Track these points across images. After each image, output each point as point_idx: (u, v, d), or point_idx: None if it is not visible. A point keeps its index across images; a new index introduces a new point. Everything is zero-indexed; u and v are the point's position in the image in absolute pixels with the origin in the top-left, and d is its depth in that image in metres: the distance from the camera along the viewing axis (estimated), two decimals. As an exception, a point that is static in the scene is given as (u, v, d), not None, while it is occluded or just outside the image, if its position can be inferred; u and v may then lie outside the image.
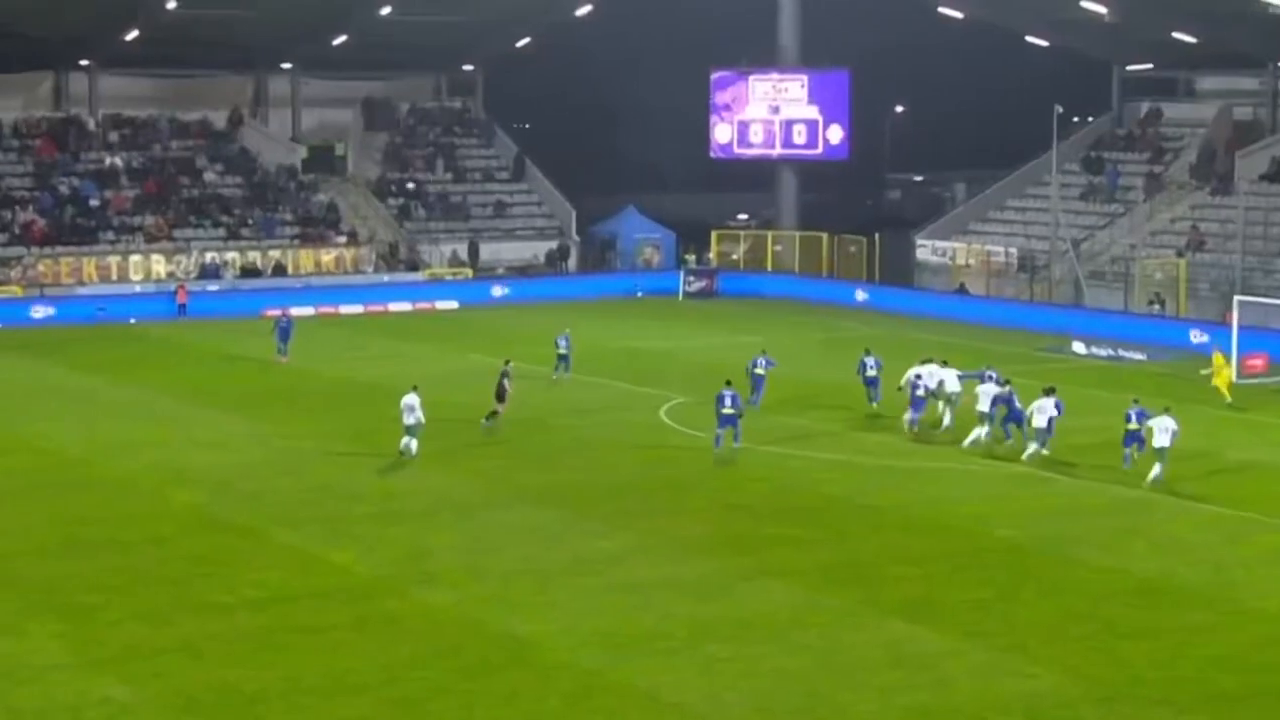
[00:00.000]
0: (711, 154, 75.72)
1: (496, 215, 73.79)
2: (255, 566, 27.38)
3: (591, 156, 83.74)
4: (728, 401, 36.39)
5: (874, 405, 40.78)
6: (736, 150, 74.99)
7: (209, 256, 65.78)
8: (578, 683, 22.11)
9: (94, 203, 66.89)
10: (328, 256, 67.93)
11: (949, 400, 38.64)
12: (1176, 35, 65.16)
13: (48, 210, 65.73)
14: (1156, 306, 58.12)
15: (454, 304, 65.02)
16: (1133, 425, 34.57)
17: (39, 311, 60.16)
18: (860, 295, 64.90)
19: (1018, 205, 70.88)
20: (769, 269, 71.52)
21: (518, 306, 64.90)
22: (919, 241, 70.63)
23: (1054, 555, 28.21)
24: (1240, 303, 49.06)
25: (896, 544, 28.95)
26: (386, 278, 67.16)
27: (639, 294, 68.36)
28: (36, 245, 64.07)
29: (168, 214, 67.35)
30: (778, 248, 72.55)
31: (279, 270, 66.49)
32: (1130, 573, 27.08)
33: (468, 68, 78.61)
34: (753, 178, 79.71)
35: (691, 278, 69.10)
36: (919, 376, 38.91)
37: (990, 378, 37.75)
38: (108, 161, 69.00)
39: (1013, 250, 66.10)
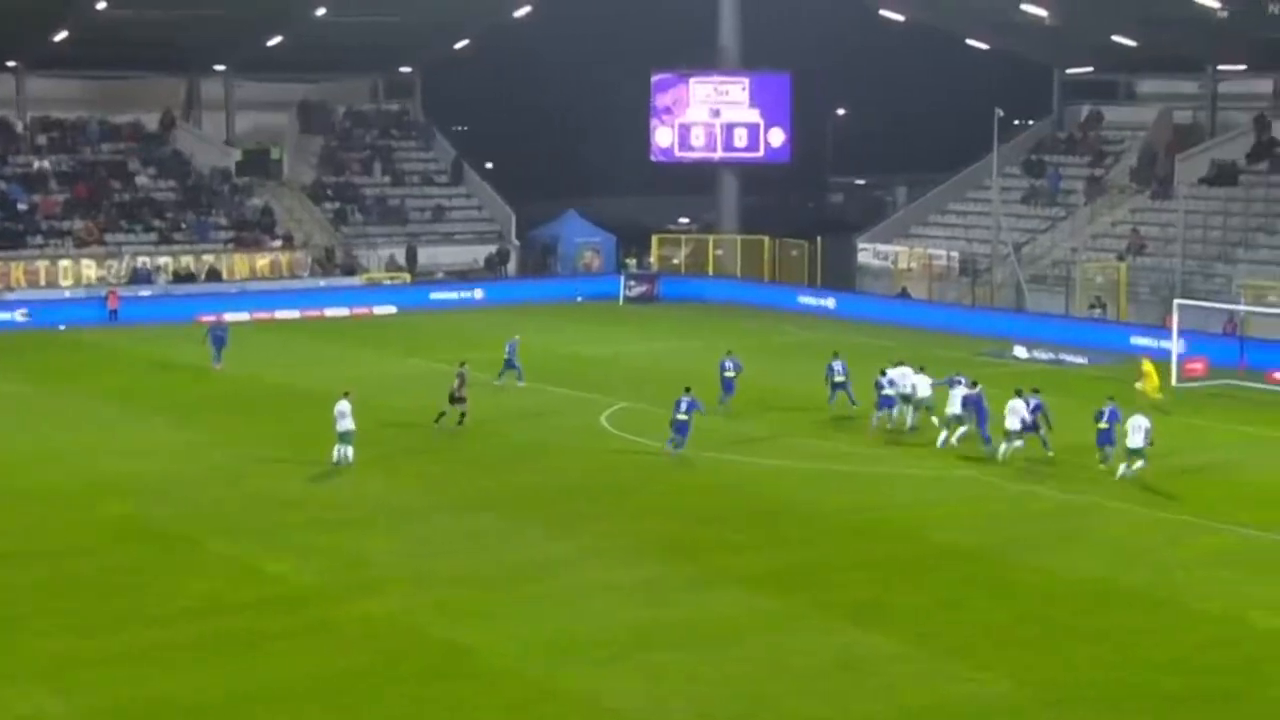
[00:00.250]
0: (652, 157, 75.77)
1: (435, 219, 73.54)
2: (190, 577, 27.11)
3: (531, 160, 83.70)
4: (683, 407, 36.50)
5: (853, 406, 41.13)
6: (677, 153, 75.07)
7: (141, 261, 65.17)
8: (520, 691, 22.03)
9: (22, 206, 66.13)
10: (263, 261, 67.46)
11: (918, 404, 38.95)
12: (1116, 39, 65.78)
13: (-26, 214, 64.97)
14: (1097, 310, 58.62)
15: (392, 309, 64.73)
16: (1103, 425, 35.07)
17: (-35, 318, 59.40)
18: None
19: (959, 209, 71.34)
20: (710, 273, 71.65)
21: (457, 311, 64.71)
22: (861, 245, 70.94)
23: (1000, 559, 28.36)
24: (1180, 306, 49.54)
25: (843, 548, 29.03)
26: (323, 282, 66.79)
27: (579, 299, 68.30)
28: (-37, 250, 63.32)
29: (98, 218, 66.69)
30: (719, 252, 72.70)
31: (213, 275, 65.97)
32: (1075, 576, 27.27)
33: (405, 70, 78.31)
34: (694, 181, 79.81)
35: (632, 282, 69.11)
36: (887, 377, 39.37)
37: (959, 382, 38.15)
38: (36, 165, 68.26)
39: (954, 254, 66.50)
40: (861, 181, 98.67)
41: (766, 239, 70.87)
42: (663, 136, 75.00)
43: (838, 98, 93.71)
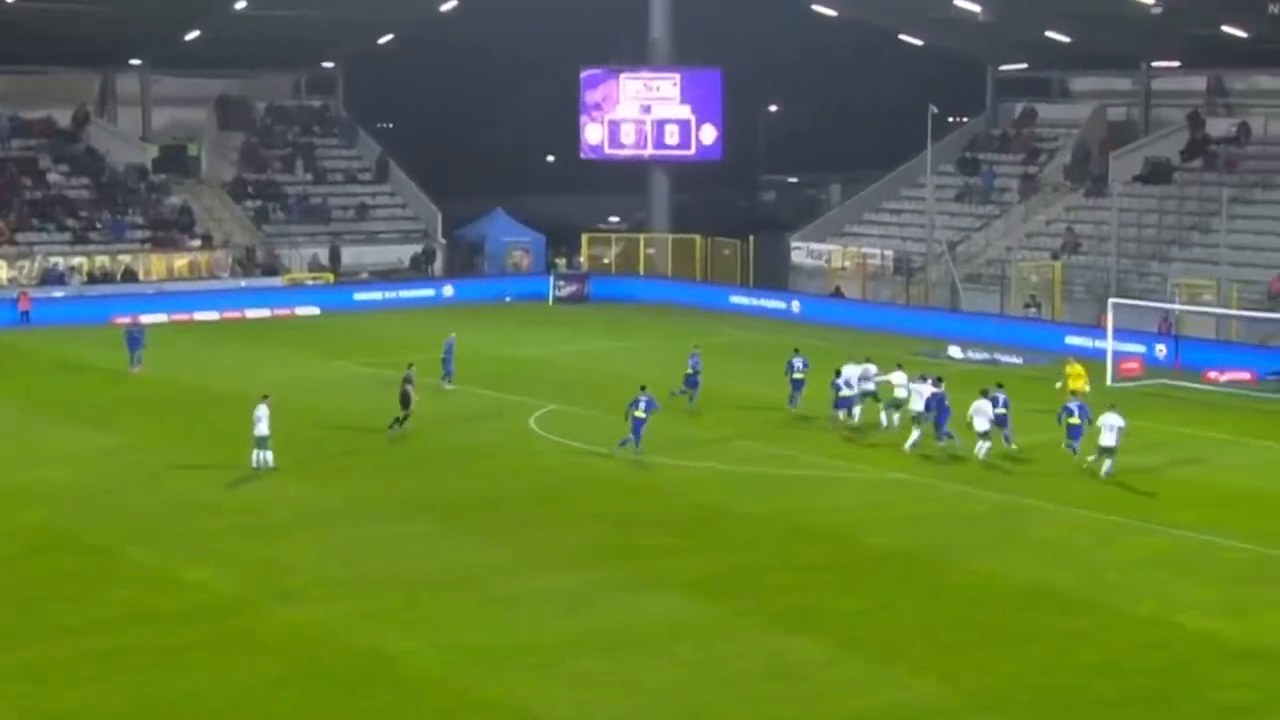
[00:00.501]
0: (582, 154, 75.80)
1: (359, 218, 73.18)
2: (105, 586, 26.91)
3: (458, 157, 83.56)
4: (641, 405, 36.66)
5: (793, 408, 41.60)
6: (607, 150, 75.14)
7: (54, 261, 64.46)
8: (447, 700, 22.02)
9: (-70, 205, 65.35)
10: (181, 261, 66.91)
11: (894, 404, 39.24)
12: (1050, 34, 66.44)
13: (-120, 213, 64.08)
14: (1032, 309, 59.21)
15: (315, 310, 64.39)
16: (1074, 419, 35.77)
17: None
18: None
19: (893, 207, 71.83)
20: (641, 273, 71.75)
21: (382, 312, 64.46)
22: (794, 244, 71.28)
23: (932, 562, 28.62)
24: (1115, 305, 50.12)
25: (775, 553, 29.19)
26: (243, 283, 66.32)
27: (508, 299, 68.20)
28: None
29: (9, 217, 65.92)
30: (650, 251, 72.80)
31: (129, 276, 65.35)
32: (1008, 578, 27.56)
33: (328, 65, 77.88)
34: (624, 179, 79.90)
35: (562, 282, 69.09)
36: (844, 377, 39.97)
37: (924, 379, 38.63)
38: (-55, 162, 67.49)
39: (888, 252, 66.96)
40: (794, 179, 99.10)
41: (698, 238, 71.05)
42: (592, 133, 75.05)
43: (770, 94, 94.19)
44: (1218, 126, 65.63)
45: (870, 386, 40.46)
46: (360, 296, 66.60)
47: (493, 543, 29.73)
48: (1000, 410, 36.71)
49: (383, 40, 75.63)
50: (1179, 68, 68.26)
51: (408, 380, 39.42)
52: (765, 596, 26.50)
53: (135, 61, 72.40)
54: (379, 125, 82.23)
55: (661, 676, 22.86)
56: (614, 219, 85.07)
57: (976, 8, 64.33)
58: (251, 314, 63.04)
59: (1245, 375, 47.97)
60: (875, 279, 66.04)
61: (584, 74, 74.82)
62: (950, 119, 76.66)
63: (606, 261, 72.91)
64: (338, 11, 69.55)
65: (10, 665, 23.20)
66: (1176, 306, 52.87)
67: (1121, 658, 23.66)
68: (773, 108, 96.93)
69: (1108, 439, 34.64)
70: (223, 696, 22.11)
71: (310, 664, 23.27)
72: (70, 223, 66.94)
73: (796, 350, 42.87)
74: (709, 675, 22.91)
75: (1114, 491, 33.98)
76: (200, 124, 74.50)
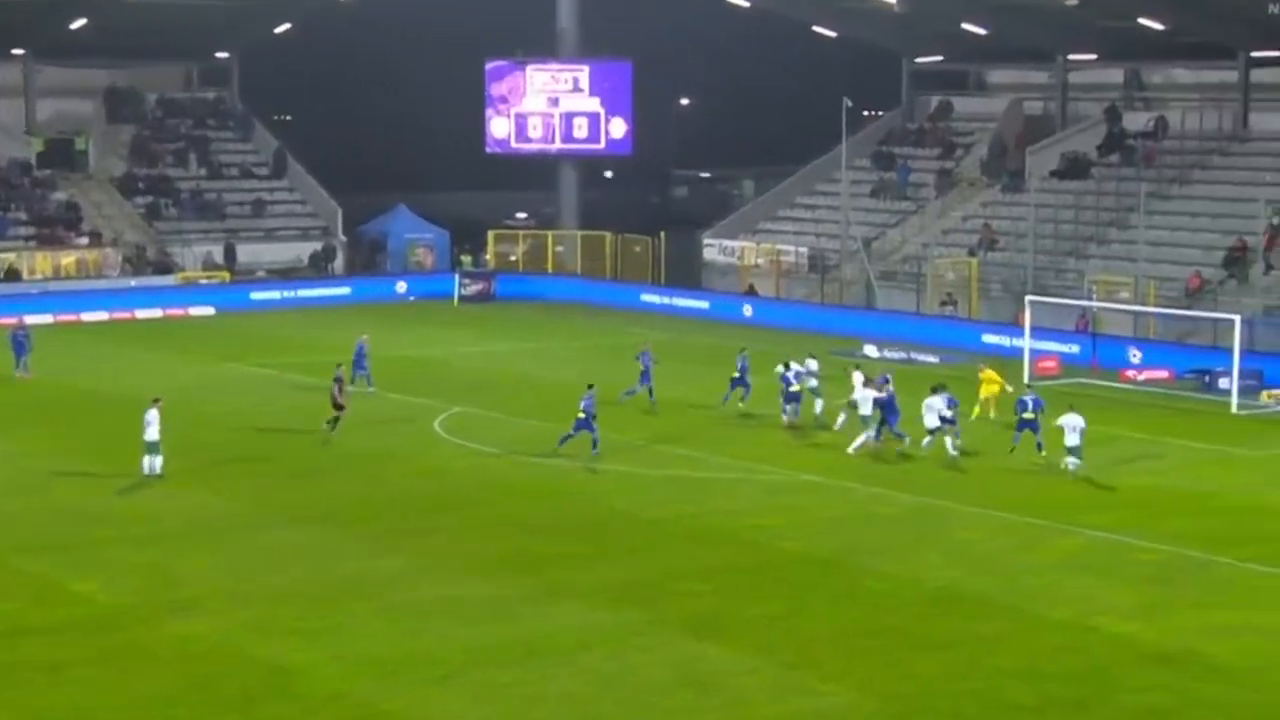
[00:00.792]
0: (487, 149, 75.72)
1: (255, 214, 72.73)
2: (-11, 599, 26.59)
3: (359, 151, 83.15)
4: (581, 405, 36.94)
5: (725, 404, 42.50)
6: (514, 145, 75.10)
7: (-66, 260, 63.62)
8: (347, 714, 21.96)
9: None
10: (68, 259, 66.18)
11: (853, 404, 39.47)
12: (966, 26, 67.18)
13: None
14: (949, 308, 59.84)
15: (210, 310, 63.91)
16: (1028, 414, 36.59)
17: None
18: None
19: (807, 203, 72.34)
20: (550, 271, 71.78)
21: (280, 312, 64.08)
22: (706, 241, 71.59)
23: (846, 566, 28.88)
24: (1032, 303, 50.77)
25: (685, 559, 29.32)
26: (134, 282, 65.71)
27: (411, 298, 68.00)
28: None
29: (-115, 213, 64.97)
30: (559, 248, 72.86)
31: (12, 275, 64.52)
32: (922, 582, 27.87)
33: (222, 55, 77.28)
34: (532, 174, 79.91)
35: (467, 280, 68.98)
36: (792, 371, 40.57)
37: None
38: None
39: (803, 250, 67.41)
40: (707, 174, 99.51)
41: (608, 235, 71.18)
42: (498, 127, 74.98)
43: (681, 87, 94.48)
44: (1135, 120, 66.64)
45: (814, 384, 41.21)
46: (257, 296, 66.20)
47: (395, 551, 29.65)
48: (947, 412, 37.30)
49: (280, 29, 75.11)
50: (1096, 60, 69.25)
51: (337, 380, 39.51)
52: (674, 604, 26.63)
53: (18, 51, 71.38)
54: (276, 118, 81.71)
55: (569, 687, 22.91)
56: (521, 215, 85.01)
57: (892, -1, 64.98)
58: (142, 314, 62.50)
59: (1163, 374, 48.74)
60: (789, 277, 66.46)
61: (489, 66, 74.73)
62: (865, 112, 77.33)
63: (513, 259, 72.87)
64: (232, -1, 69.12)
65: (-113, 683, 22.88)
66: (1094, 304, 53.63)
67: (1038, 662, 23.99)
68: (684, 101, 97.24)
69: (1072, 439, 35.47)
70: (112, 713, 21.92)
71: (204, 678, 23.12)
72: (-50, 219, 66.04)
73: (743, 349, 43.76)
74: (618, 685, 22.99)
75: (1031, 493, 34.44)
76: (88, 116, 73.70)
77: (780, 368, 41.27)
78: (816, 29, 74.42)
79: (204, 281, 67.44)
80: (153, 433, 34.76)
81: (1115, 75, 70.01)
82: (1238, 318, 46.37)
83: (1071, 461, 35.55)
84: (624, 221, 73.35)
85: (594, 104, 74.17)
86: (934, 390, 37.65)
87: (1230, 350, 45.46)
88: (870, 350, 53.28)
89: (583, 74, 74.22)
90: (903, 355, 52.61)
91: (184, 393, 43.35)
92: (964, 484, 35.21)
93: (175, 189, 72.44)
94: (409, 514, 32.45)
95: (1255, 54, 62.93)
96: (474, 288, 68.80)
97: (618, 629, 25.32)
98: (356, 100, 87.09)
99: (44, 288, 64.07)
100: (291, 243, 71.87)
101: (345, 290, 68.20)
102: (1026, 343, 48.68)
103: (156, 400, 35.42)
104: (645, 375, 43.36)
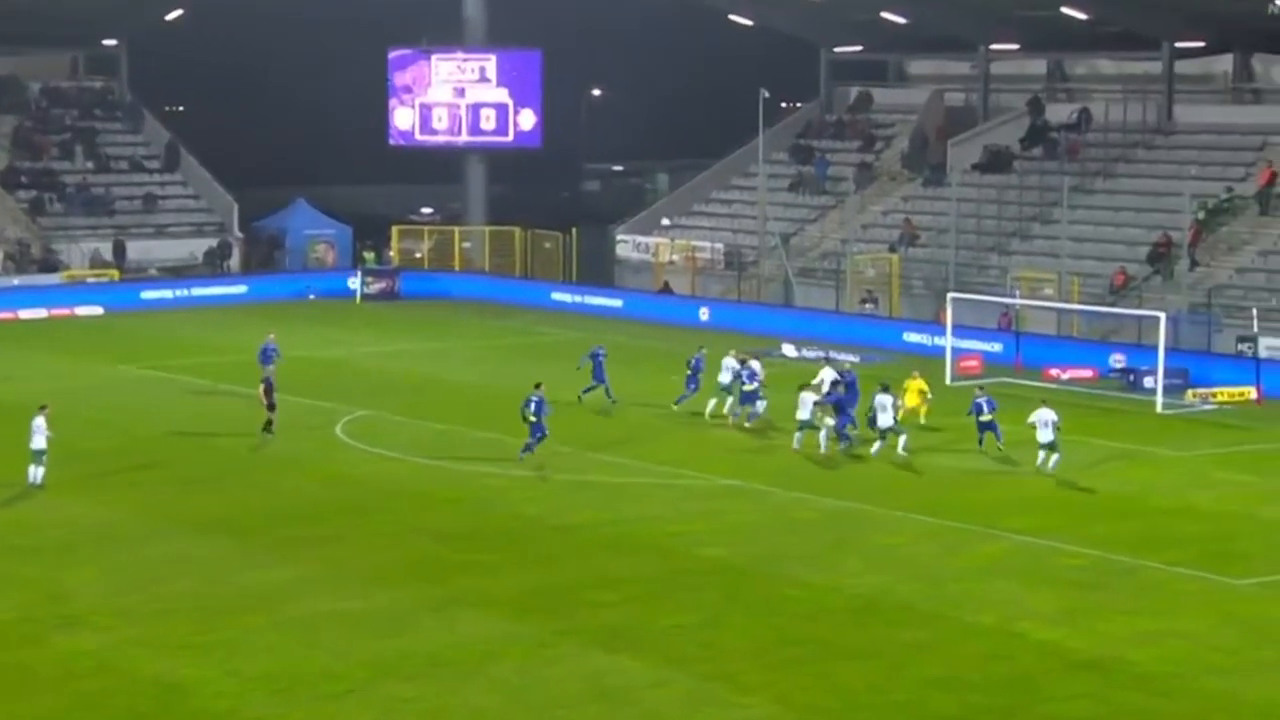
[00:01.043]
0: (391, 141, 75.31)
1: (146, 210, 71.99)
2: None
3: (255, 144, 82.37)
4: (531, 407, 36.76)
5: (677, 406, 42.80)
6: (419, 137, 74.73)
7: None
8: (242, 734, 21.73)
9: None
10: (-54, 257, 65.25)
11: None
12: (886, 15, 67.52)
13: None
14: (869, 305, 60.12)
15: (98, 310, 63.17)
16: (985, 416, 37.54)
17: None
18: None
19: (723, 197, 72.48)
20: (456, 268, 71.47)
21: (173, 312, 63.43)
22: (619, 237, 71.55)
23: (765, 573, 28.90)
24: (954, 300, 51.08)
25: (597, 567, 29.25)
26: (16, 280, 64.85)
27: (311, 296, 67.51)
28: None
29: None
30: (466, 244, 72.57)
31: (-113, 274, 63.56)
32: (843, 590, 27.94)
33: (110, 42, 76.36)
34: (437, 167, 79.53)
35: (370, 278, 68.57)
36: (747, 369, 40.95)
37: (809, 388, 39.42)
38: None
39: (719, 246, 67.52)
40: (619, 168, 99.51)
41: (517, 230, 71.00)
42: (402, 118, 74.59)
43: (593, 77, 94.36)
44: (1058, 112, 67.29)
45: (756, 385, 41.42)
46: (148, 295, 65.56)
47: (293, 561, 29.39)
48: (896, 404, 38.30)
49: (171, 16, 74.28)
50: (1018, 51, 69.84)
51: (266, 384, 39.71)
52: (586, 614, 26.53)
53: (-110, 37, 70.31)
54: (168, 108, 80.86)
55: (475, 701, 22.77)
56: (426, 210, 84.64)
57: (809, -13, 65.23)
58: (26, 314, 61.70)
59: (1087, 373, 49.19)
60: (705, 274, 66.55)
61: (392, 54, 74.35)
62: (783, 104, 77.57)
63: (418, 256, 72.50)
64: (120, -16, 68.34)
65: None
66: (1017, 301, 54.05)
67: (962, 671, 24.09)
68: (596, 92, 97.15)
69: (1045, 435, 36.16)
70: (-8, 736, 21.57)
71: (92, 697, 22.81)
72: None
73: (701, 346, 44.27)
74: (527, 699, 22.88)
75: (954, 496, 34.63)
76: (-34, 107, 72.64)
77: (736, 364, 41.61)
78: (732, 18, 74.55)
79: (92, 280, 66.66)
80: (40, 440, 34.35)
81: (1038, 66, 70.68)
82: (1163, 315, 46.92)
83: (1054, 458, 36.24)
84: (534, 217, 73.17)
85: (502, 95, 73.95)
86: (883, 389, 38.18)
87: (1155, 348, 45.96)
88: (788, 350, 53.41)
89: (490, 63, 73.97)
90: (821, 354, 52.67)
91: (71, 397, 42.73)
92: (886, 488, 35.36)
93: (61, 183, 71.53)
94: (308, 522, 32.17)
95: (1180, 44, 63.71)
96: (377, 286, 68.39)
97: (526, 640, 25.20)
98: (253, 90, 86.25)
99: (-80, 287, 63.14)
100: (184, 239, 71.17)
101: (241, 289, 67.63)
102: (949, 341, 49.00)
103: (43, 407, 34.94)
104: (598, 373, 43.54)
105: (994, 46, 69.32)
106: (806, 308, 61.08)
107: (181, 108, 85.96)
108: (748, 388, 40.98)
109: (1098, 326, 54.04)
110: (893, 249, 63.14)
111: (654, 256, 69.23)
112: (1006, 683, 23.67)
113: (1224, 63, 65.02)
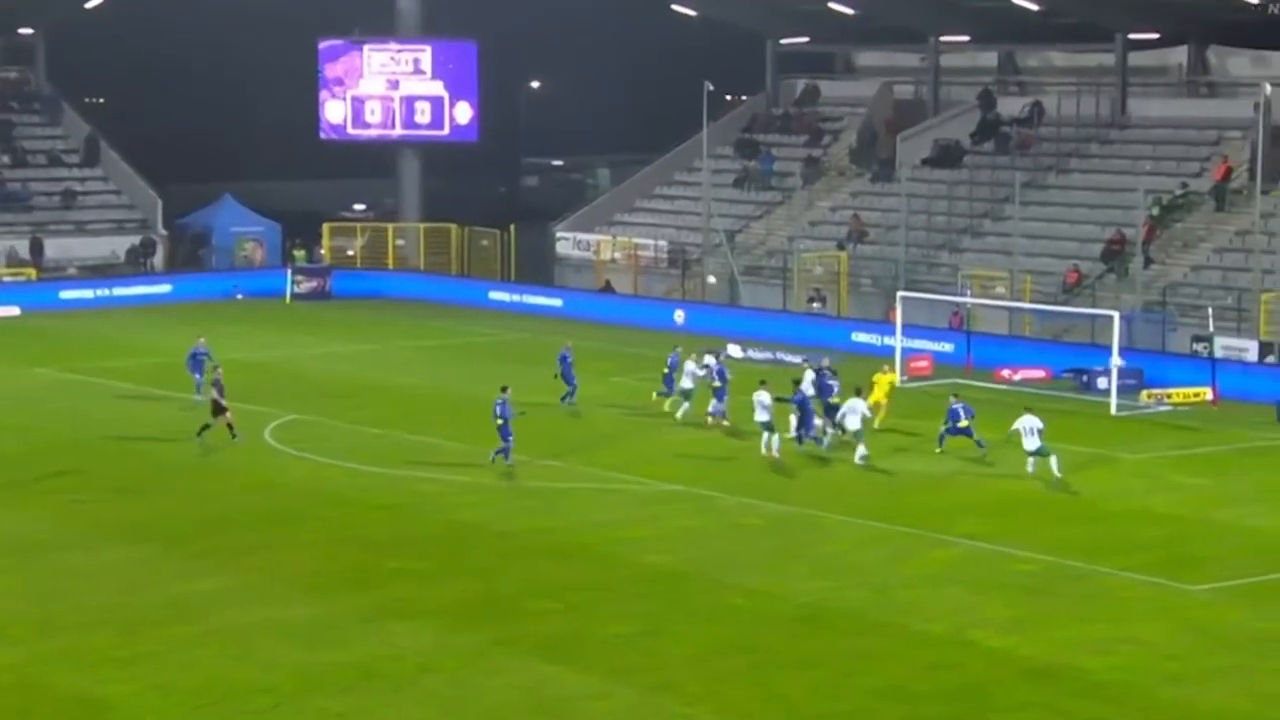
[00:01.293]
0: (322, 134, 75.05)
1: (65, 206, 71.59)
2: None
3: (180, 137, 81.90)
4: (496, 410, 36.72)
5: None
6: (351, 130, 74.51)
7: None
8: (167, 750, 21.68)
9: None
10: None
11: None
12: (833, 6, 67.82)
13: None
14: (817, 304, 60.36)
15: (14, 310, 62.77)
16: (963, 423, 38.07)
17: None
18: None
19: (666, 193, 72.62)
20: (390, 266, 71.35)
21: (94, 312, 63.07)
22: (559, 234, 71.60)
23: (708, 580, 29.01)
24: (903, 299, 51.35)
25: (537, 575, 29.29)
26: (-71, 280, 64.45)
27: (239, 296, 67.30)
28: None
29: None
30: (400, 242, 72.47)
31: None
32: (790, 597, 28.07)
33: (26, 31, 75.81)
34: (370, 162, 79.35)
35: (300, 277, 68.40)
36: (716, 366, 41.71)
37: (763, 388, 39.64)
38: None
39: (662, 243, 67.67)
40: (559, 163, 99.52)
41: (454, 227, 70.97)
42: (333, 111, 74.35)
43: (531, 69, 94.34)
44: (1010, 106, 67.75)
45: (719, 383, 41.85)
46: (67, 295, 65.24)
47: (221, 570, 29.30)
48: (865, 413, 38.42)
49: (91, 3, 73.83)
50: (969, 42, 70.27)
51: (217, 386, 39.63)
52: (525, 623, 26.57)
53: None
54: (88, 100, 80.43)
55: (409, 714, 22.78)
56: (359, 207, 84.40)
57: (754, -24, 65.44)
58: (-60, 315, 61.27)
59: (1039, 373, 49.55)
60: (648, 272, 66.67)
61: (323, 45, 74.11)
62: (728, 97, 77.69)
63: (351, 254, 72.35)
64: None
65: None
66: (968, 300, 54.35)
67: (911, 680, 24.25)
68: (534, 84, 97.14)
69: (1031, 442, 36.40)
70: (-95, 754, 21.44)
71: (9, 715, 22.69)
72: None
73: (675, 347, 44.46)
74: (464, 711, 22.90)
75: (903, 501, 34.84)
76: (-123, 98, 72.02)
77: (710, 359, 41.98)
78: (676, 8, 74.66)
79: (8, 279, 66.30)
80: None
81: (989, 58, 71.14)
82: (1116, 314, 47.31)
83: (1053, 459, 36.37)
84: (470, 213, 73.15)
85: (437, 87, 73.83)
86: (857, 392, 38.72)
87: (1109, 348, 46.35)
88: (734, 350, 53.52)
89: (424, 55, 73.83)
90: (768, 355, 52.93)
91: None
92: (835, 493, 35.54)
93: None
94: (235, 530, 32.09)
95: (1134, 36, 64.25)
96: (308, 285, 68.22)
97: (463, 650, 25.22)
98: (177, 81, 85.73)
99: None
100: (106, 237, 70.81)
101: (166, 288, 67.35)
102: (898, 341, 49.25)
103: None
104: (567, 374, 43.81)
105: (944, 38, 69.70)
106: (753, 307, 61.28)
107: (102, 99, 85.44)
108: (716, 385, 41.48)
109: (1050, 326, 54.43)
110: (841, 246, 63.42)
111: (595, 254, 69.32)
112: (956, 692, 23.85)
113: (1179, 55, 65.57)
